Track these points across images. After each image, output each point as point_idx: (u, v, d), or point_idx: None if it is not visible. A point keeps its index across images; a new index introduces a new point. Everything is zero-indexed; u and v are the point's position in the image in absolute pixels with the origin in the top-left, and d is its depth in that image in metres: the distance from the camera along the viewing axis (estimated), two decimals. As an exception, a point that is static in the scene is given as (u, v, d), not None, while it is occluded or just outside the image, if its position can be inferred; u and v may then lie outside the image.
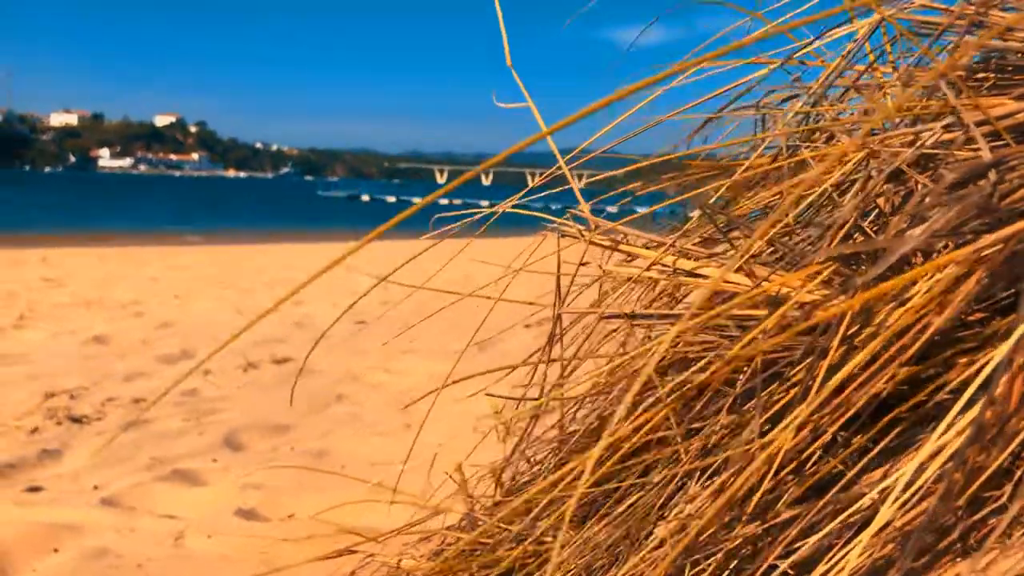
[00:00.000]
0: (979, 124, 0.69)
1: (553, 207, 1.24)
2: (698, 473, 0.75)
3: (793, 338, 0.61)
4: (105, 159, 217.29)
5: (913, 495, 0.61)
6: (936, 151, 0.68)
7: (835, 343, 0.57)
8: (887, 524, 0.63)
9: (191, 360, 4.60)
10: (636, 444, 0.79)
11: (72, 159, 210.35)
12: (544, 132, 0.43)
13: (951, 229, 0.49)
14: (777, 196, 0.83)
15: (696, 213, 0.92)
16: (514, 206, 1.06)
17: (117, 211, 33.52)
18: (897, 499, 0.60)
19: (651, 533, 0.85)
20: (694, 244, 0.77)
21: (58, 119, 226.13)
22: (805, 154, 0.83)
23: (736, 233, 0.78)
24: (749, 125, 1.02)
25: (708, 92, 1.01)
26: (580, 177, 1.24)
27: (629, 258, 0.80)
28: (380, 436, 3.16)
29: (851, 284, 0.51)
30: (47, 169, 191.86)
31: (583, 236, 0.81)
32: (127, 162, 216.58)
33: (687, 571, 0.76)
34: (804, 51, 0.97)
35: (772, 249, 0.80)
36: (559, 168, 0.99)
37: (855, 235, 0.80)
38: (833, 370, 0.61)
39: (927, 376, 0.69)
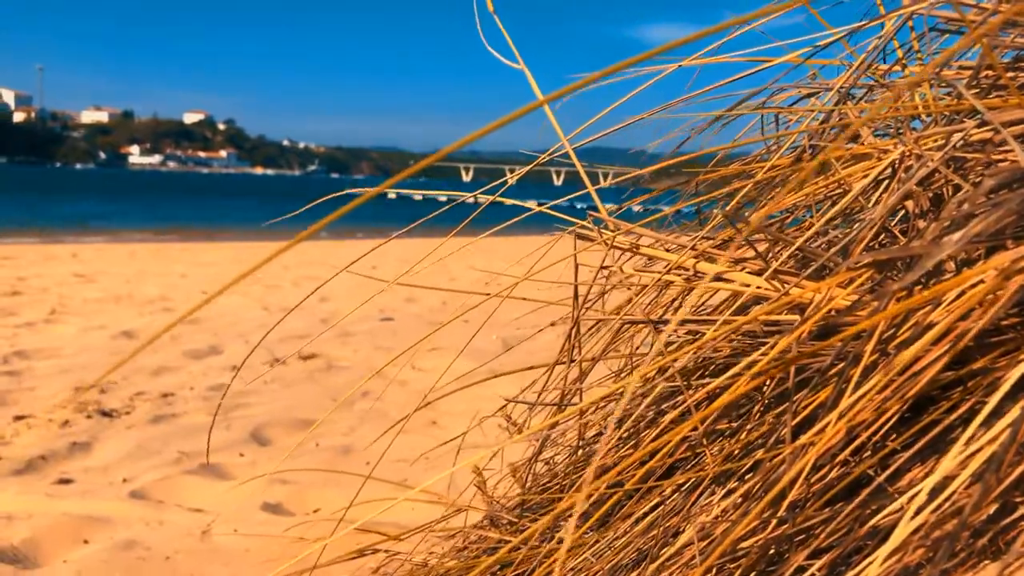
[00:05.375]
0: (1008, 125, 0.68)
1: (579, 206, 1.23)
2: (724, 478, 0.75)
3: (819, 343, 0.60)
4: (135, 156, 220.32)
5: (945, 500, 0.60)
6: (969, 155, 0.67)
7: (869, 348, 0.56)
8: (919, 528, 0.62)
9: (219, 355, 4.64)
10: (661, 446, 0.79)
11: (103, 156, 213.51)
12: (539, 102, 0.42)
13: (990, 235, 0.48)
14: (804, 198, 0.82)
15: (716, 214, 0.91)
16: (538, 204, 1.05)
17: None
18: (927, 504, 0.59)
19: (676, 533, 0.84)
20: (714, 246, 0.76)
21: (89, 116, 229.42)
22: (833, 155, 0.81)
23: (759, 236, 0.77)
24: (768, 122, 1.01)
25: (727, 90, 1.00)
26: (605, 176, 1.23)
27: (650, 260, 0.79)
28: (405, 433, 3.17)
29: (886, 290, 0.50)
30: (78, 166, 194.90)
31: (601, 239, 0.80)
32: (156, 159, 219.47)
33: (714, 572, 0.76)
34: (826, 44, 0.96)
35: (798, 253, 0.79)
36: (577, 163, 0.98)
37: (881, 236, 0.79)
38: (866, 374, 0.61)
39: (959, 379, 0.67)
